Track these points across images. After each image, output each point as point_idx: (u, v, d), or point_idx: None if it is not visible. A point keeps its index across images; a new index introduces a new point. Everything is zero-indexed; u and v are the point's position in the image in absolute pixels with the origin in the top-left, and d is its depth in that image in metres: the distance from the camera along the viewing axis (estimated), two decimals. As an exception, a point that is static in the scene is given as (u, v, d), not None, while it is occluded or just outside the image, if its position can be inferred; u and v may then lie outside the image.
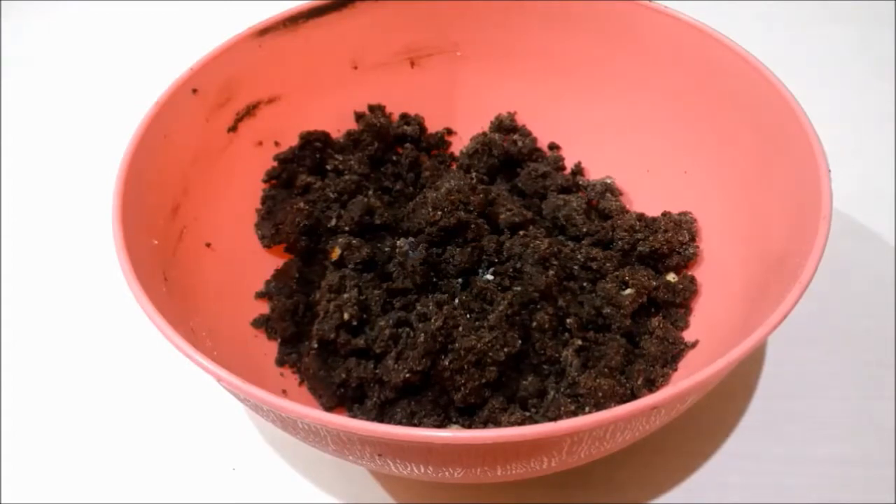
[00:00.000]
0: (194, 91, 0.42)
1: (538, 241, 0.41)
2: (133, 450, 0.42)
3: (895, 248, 0.48)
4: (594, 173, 0.49)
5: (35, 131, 0.60)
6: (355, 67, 0.48)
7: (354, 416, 0.38)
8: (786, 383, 0.43)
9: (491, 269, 0.41)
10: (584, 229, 0.44)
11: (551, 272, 0.40)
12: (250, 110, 0.45)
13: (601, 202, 0.46)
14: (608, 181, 0.47)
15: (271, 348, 0.41)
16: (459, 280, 0.41)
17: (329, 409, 0.39)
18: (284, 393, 0.39)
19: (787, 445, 0.40)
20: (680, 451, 0.40)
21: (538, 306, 0.39)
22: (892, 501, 0.38)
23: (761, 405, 0.42)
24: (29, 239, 0.53)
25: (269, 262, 0.44)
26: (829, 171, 0.34)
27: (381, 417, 0.38)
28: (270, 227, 0.44)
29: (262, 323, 0.42)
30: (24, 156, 0.58)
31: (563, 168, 0.49)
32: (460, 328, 0.38)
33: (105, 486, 0.40)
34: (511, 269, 0.40)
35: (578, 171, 0.49)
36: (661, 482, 0.39)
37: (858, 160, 0.53)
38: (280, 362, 0.41)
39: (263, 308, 0.43)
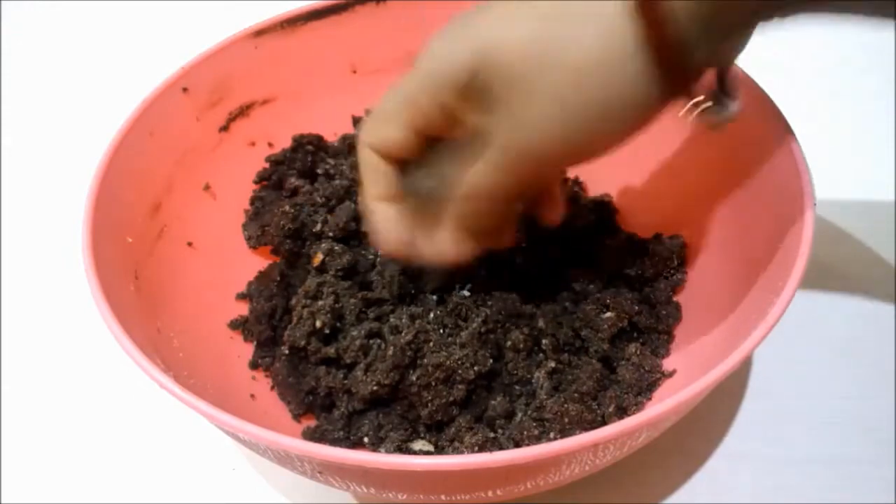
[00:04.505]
0: (185, 90, 0.42)
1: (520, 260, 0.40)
2: (132, 449, 0.42)
3: (895, 248, 0.48)
4: (593, 189, 0.47)
5: (33, 128, 0.62)
6: (354, 72, 0.48)
7: (322, 425, 0.38)
8: (785, 383, 0.42)
9: (468, 286, 0.40)
10: (574, 249, 0.43)
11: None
12: (244, 111, 0.45)
13: (596, 220, 0.44)
14: (606, 199, 0.46)
15: (247, 350, 0.41)
16: (434, 297, 0.40)
17: (297, 416, 0.39)
18: (253, 398, 0.39)
19: (786, 446, 0.40)
20: (678, 452, 0.40)
21: (514, 325, 0.38)
22: (892, 501, 0.38)
23: (760, 405, 0.42)
24: (17, 233, 0.54)
25: (254, 264, 0.44)
26: (815, 203, 0.33)
27: (348, 428, 0.38)
28: (257, 227, 0.44)
29: (239, 324, 0.42)
30: (20, 153, 0.60)
31: (565, 182, 0.48)
32: (431, 343, 0.37)
33: (104, 486, 0.41)
34: (488, 285, 0.40)
35: (578, 185, 0.48)
36: (660, 483, 0.39)
37: (859, 159, 0.53)
38: (253, 365, 0.41)
39: (244, 309, 0.43)
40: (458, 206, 0.32)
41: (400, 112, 0.31)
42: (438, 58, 0.30)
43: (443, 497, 0.30)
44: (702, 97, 0.28)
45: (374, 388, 0.36)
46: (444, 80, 0.29)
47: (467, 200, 0.32)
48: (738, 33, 0.28)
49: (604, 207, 0.45)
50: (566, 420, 0.35)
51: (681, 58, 0.26)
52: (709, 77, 0.30)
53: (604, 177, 0.47)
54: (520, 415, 0.37)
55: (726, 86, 0.31)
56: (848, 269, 0.48)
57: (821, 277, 0.46)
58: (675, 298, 0.41)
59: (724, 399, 0.42)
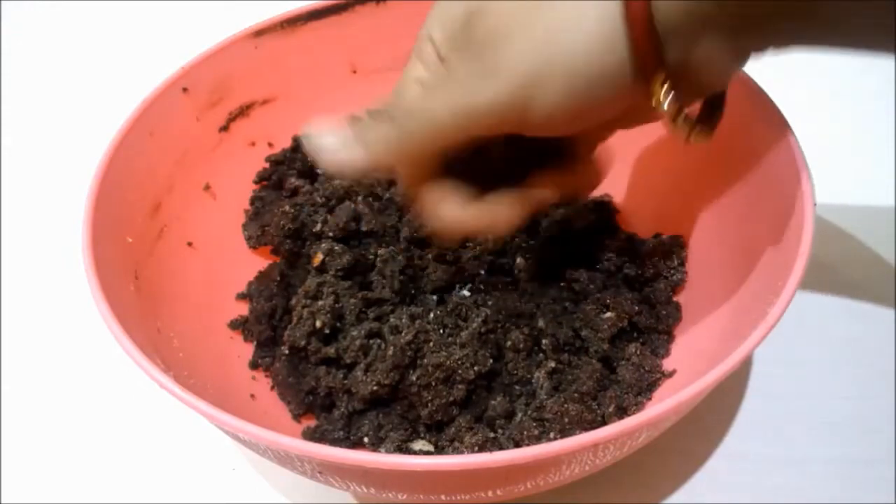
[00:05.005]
0: (185, 90, 0.42)
1: (520, 260, 0.40)
2: (132, 449, 0.42)
3: (895, 247, 0.48)
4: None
5: (33, 128, 0.62)
6: (354, 71, 0.48)
7: (322, 425, 0.38)
8: (785, 383, 0.42)
9: (468, 286, 0.40)
10: (574, 249, 0.43)
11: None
12: (244, 111, 0.45)
13: (596, 220, 0.44)
14: (606, 199, 0.46)
15: (247, 350, 0.41)
16: (434, 297, 0.40)
17: (297, 416, 0.39)
18: (253, 398, 0.39)
19: (786, 446, 0.40)
20: (678, 452, 0.40)
21: (514, 325, 0.38)
22: (892, 501, 0.38)
23: (760, 405, 0.42)
24: (17, 233, 0.54)
25: (255, 264, 0.44)
26: (815, 203, 0.33)
27: (348, 428, 0.38)
28: (257, 227, 0.44)
29: (239, 324, 0.42)
30: (20, 153, 0.60)
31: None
32: (431, 343, 0.37)
33: (104, 486, 0.41)
34: (488, 286, 0.40)
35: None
36: (660, 483, 0.39)
37: (859, 159, 0.53)
38: (253, 365, 0.41)
39: (244, 309, 0.43)
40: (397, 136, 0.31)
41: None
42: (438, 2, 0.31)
43: (443, 497, 0.30)
44: (677, 110, 0.29)
45: (374, 388, 0.36)
46: (442, 17, 0.30)
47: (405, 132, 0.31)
48: (706, 53, 0.28)
49: (604, 207, 0.45)
50: (566, 420, 0.35)
51: (651, 61, 0.27)
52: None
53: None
54: (520, 415, 0.37)
55: (709, 108, 0.31)
56: (848, 269, 0.48)
57: (821, 277, 0.47)
58: (675, 298, 0.41)
59: (724, 399, 0.42)
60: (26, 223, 0.54)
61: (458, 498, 0.30)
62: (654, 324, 0.40)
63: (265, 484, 0.40)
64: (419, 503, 0.32)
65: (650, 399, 0.37)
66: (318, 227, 0.43)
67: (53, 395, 0.44)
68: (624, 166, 0.46)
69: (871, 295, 0.46)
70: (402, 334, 0.37)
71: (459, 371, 0.36)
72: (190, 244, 0.42)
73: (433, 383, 0.36)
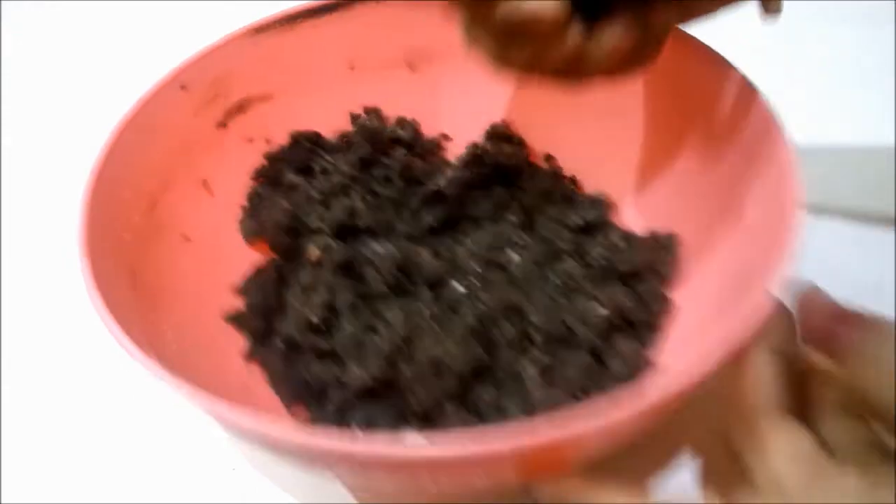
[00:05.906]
0: (183, 87, 0.42)
1: (513, 255, 0.40)
2: (132, 449, 0.42)
3: (895, 247, 0.48)
4: (589, 186, 0.48)
5: (32, 126, 0.62)
6: (352, 68, 0.48)
7: (314, 418, 0.38)
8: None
9: (462, 280, 0.41)
10: (568, 246, 0.43)
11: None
12: (242, 107, 0.45)
13: (591, 216, 0.45)
14: (601, 196, 0.46)
15: (242, 344, 0.42)
16: (428, 291, 0.41)
17: (291, 408, 0.39)
18: (247, 390, 0.39)
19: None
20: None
21: (506, 319, 0.39)
22: (892, 502, 0.37)
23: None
24: (16, 230, 0.54)
25: (251, 259, 0.45)
26: (813, 203, 0.33)
27: (340, 420, 0.38)
28: (254, 223, 0.44)
29: (234, 318, 0.42)
30: (20, 152, 0.60)
31: (562, 178, 0.49)
32: (424, 337, 0.37)
33: (104, 486, 0.41)
34: (482, 281, 0.40)
35: (573, 183, 0.48)
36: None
37: (858, 158, 0.52)
38: (248, 358, 0.41)
39: (240, 303, 0.43)
40: None
41: None
42: None
43: (433, 488, 0.30)
44: None
45: (367, 381, 0.37)
46: None
47: None
48: None
49: (599, 204, 0.46)
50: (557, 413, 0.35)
51: None
52: None
53: (600, 174, 0.47)
54: (511, 408, 0.37)
55: None
56: (848, 268, 0.47)
57: (820, 277, 0.46)
58: (668, 294, 0.41)
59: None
60: (24, 218, 0.55)
61: (447, 485, 0.30)
62: (646, 319, 0.40)
63: (265, 484, 0.40)
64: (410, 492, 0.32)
65: (640, 394, 0.37)
66: (315, 222, 0.43)
67: (52, 394, 0.45)
68: (621, 165, 0.46)
69: (871, 295, 0.46)
70: (396, 328, 0.37)
71: (452, 365, 0.36)
72: (187, 239, 0.42)
73: (426, 376, 0.36)
